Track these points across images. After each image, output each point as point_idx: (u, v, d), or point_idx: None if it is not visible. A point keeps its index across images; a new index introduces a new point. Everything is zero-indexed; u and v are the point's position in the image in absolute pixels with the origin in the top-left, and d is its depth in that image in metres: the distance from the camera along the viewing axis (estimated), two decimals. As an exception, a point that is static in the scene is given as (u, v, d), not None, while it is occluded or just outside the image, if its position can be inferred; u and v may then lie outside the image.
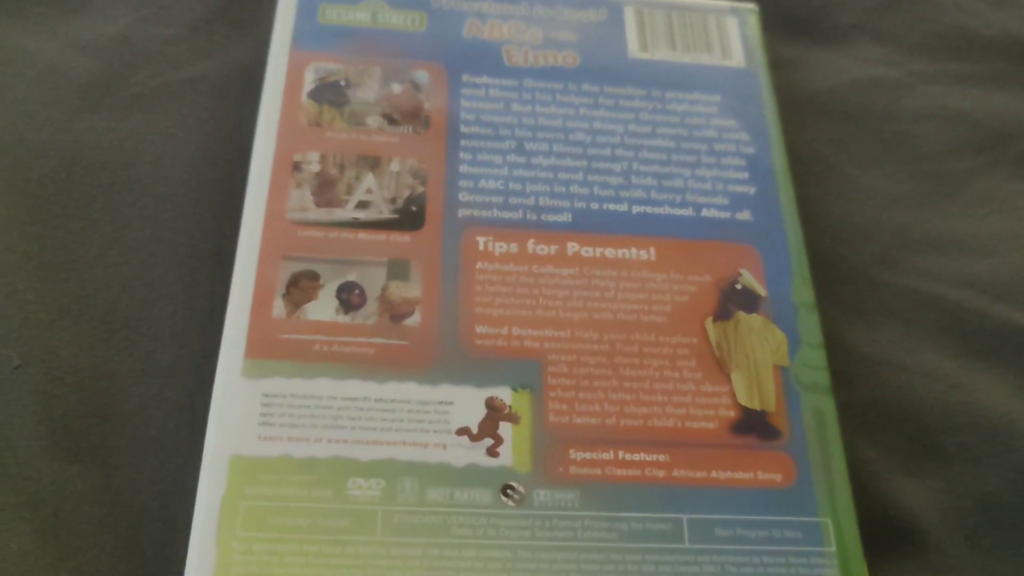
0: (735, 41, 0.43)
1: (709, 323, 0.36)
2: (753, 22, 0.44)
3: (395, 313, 0.34)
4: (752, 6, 0.45)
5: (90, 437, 0.33)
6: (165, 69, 0.42)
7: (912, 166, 0.44)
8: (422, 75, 0.40)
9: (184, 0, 0.44)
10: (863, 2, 0.49)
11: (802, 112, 0.45)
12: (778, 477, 0.33)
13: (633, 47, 0.42)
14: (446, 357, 0.34)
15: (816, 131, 0.44)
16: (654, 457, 0.33)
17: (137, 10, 0.44)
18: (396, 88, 0.39)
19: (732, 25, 0.44)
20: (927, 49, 0.48)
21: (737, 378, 0.35)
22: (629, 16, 0.43)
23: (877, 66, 0.47)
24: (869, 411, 0.37)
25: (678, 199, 0.38)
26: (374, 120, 0.38)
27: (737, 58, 0.43)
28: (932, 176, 0.44)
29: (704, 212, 0.38)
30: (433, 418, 0.32)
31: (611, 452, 0.33)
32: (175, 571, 0.30)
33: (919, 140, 0.44)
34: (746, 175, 0.39)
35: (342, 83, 0.39)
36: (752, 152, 0.40)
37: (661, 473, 0.33)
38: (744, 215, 0.38)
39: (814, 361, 0.36)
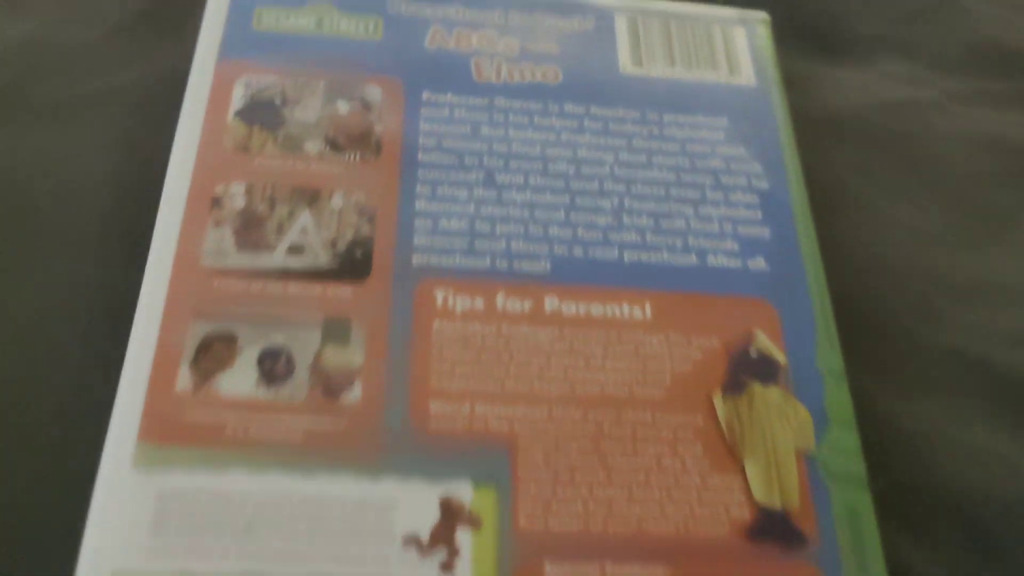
0: (743, 55, 0.37)
1: (718, 398, 0.29)
2: (764, 33, 0.38)
3: (330, 386, 0.28)
4: (762, 15, 0.38)
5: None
6: (76, 79, 0.36)
7: (949, 198, 0.38)
8: (374, 91, 0.33)
9: (103, 2, 0.38)
10: (887, 12, 0.43)
11: (821, 137, 0.38)
12: (805, 596, 0.26)
13: (625, 61, 0.36)
14: (392, 443, 0.27)
15: (838, 158, 0.38)
16: (650, 571, 0.26)
17: (49, 9, 0.37)
18: (342, 107, 0.33)
19: (740, 36, 0.38)
20: (961, 65, 0.42)
21: (752, 468, 0.28)
22: (620, 25, 0.37)
23: (905, 84, 0.41)
24: (910, 502, 0.31)
25: (679, 244, 0.32)
26: (314, 145, 0.32)
27: (746, 75, 0.36)
28: (973, 210, 0.37)
29: (710, 260, 0.32)
30: (374, 524, 0.26)
31: (597, 565, 0.26)
32: None
33: (956, 168, 0.38)
34: (759, 214, 0.33)
35: (277, 100, 0.33)
36: (766, 186, 0.34)
37: (659, 593, 0.26)
38: (758, 263, 0.32)
39: (846, 445, 0.29)
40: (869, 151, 0.39)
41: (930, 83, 0.41)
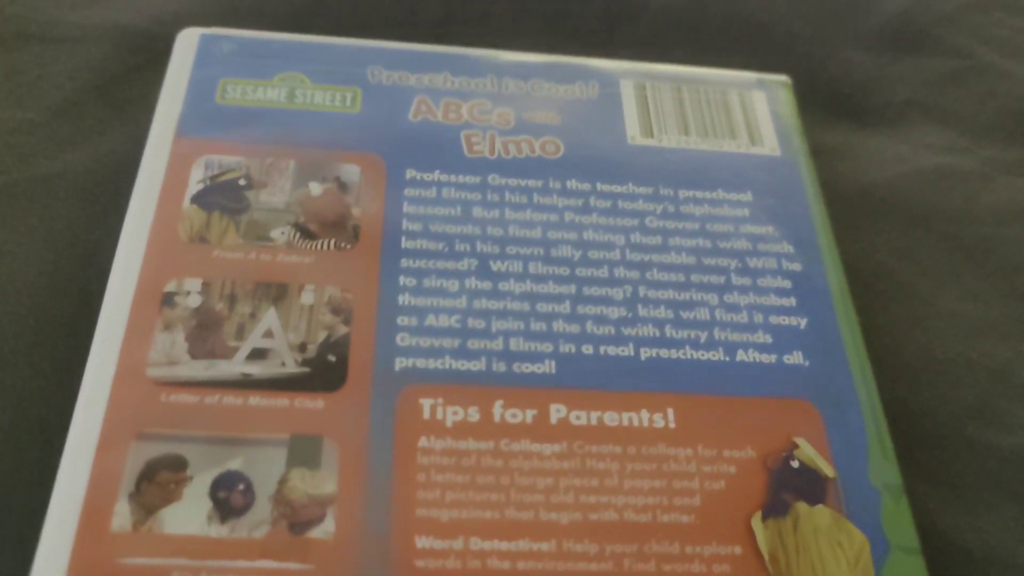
0: (765, 122, 0.33)
1: (757, 522, 0.25)
2: (786, 98, 0.34)
3: (297, 520, 0.23)
4: (783, 78, 0.35)
5: None
6: (14, 163, 0.32)
7: (1003, 282, 0.33)
8: (351, 171, 0.30)
9: (50, 75, 0.34)
10: (918, 74, 0.39)
11: (855, 213, 0.35)
12: None
13: (634, 131, 0.32)
14: (370, 589, 0.22)
15: (875, 237, 0.34)
16: None
17: (-11, 86, 0.33)
18: (315, 189, 0.29)
19: (760, 102, 0.34)
20: (1002, 131, 0.38)
21: (803, 608, 0.23)
22: (627, 91, 0.33)
23: (943, 153, 0.37)
24: (985, 640, 0.26)
25: (703, 338, 0.27)
26: (282, 233, 0.28)
27: (769, 144, 0.33)
28: (1030, 295, 0.33)
29: (740, 355, 0.27)
30: None
31: None
32: None
33: (1008, 247, 0.34)
34: (793, 301, 0.29)
35: (241, 182, 0.29)
36: (799, 268, 0.29)
37: None
38: (795, 358, 0.28)
39: (911, 574, 0.24)
40: (910, 229, 0.34)
41: (971, 152, 0.37)
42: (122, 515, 0.23)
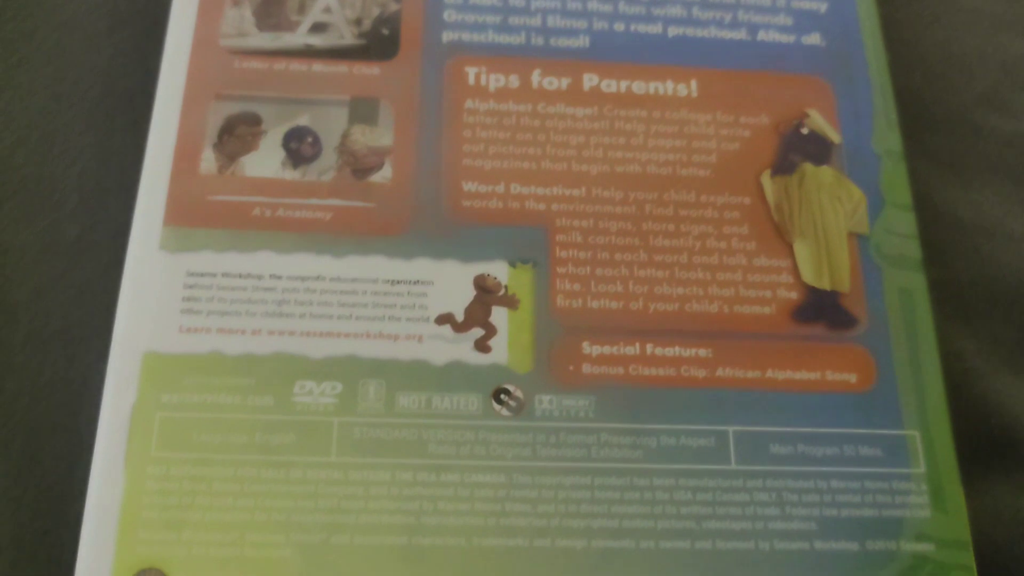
0: None
1: (766, 178, 0.27)
2: None
3: (359, 167, 0.26)
4: None
5: (-26, 329, 0.26)
6: None
7: (1025, -22, 0.34)
8: None
9: None
10: None
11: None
12: (852, 378, 0.26)
13: None
14: (424, 223, 0.26)
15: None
16: (693, 352, 0.25)
17: None
18: None
19: None
20: None
21: (801, 249, 0.27)
22: None
23: None
24: (967, 292, 0.29)
25: (727, 18, 0.29)
26: (335, -82, 0.30)
27: None
28: (1049, -7, 0.34)
29: (761, 35, 0.29)
30: (406, 302, 0.25)
31: (636, 345, 0.25)
32: (81, 498, 0.23)
33: (1035, -55, 0.35)
34: (816, -13, 0.30)
35: None
36: (824, -43, 0.31)
37: (701, 373, 0.25)
38: (813, 38, 0.30)
39: (901, 227, 0.28)
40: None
41: None
42: (208, 160, 0.26)
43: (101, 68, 0.30)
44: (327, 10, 0.28)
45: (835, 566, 0.24)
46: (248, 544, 0.22)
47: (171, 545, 0.22)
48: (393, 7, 0.29)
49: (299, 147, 0.27)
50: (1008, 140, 0.32)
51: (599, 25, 0.29)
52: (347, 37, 0.28)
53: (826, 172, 0.28)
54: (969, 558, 0.24)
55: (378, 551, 0.23)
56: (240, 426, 0.23)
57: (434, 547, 0.23)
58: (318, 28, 0.28)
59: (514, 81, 0.28)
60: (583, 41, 0.29)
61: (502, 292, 0.25)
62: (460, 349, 0.25)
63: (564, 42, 0.29)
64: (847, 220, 0.27)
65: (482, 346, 0.25)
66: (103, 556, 0.22)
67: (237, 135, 0.27)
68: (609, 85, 0.28)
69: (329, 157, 0.27)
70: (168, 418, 0.23)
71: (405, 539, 0.23)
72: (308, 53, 0.28)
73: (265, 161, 0.26)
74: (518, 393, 0.24)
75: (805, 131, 0.28)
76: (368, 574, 0.22)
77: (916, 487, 0.25)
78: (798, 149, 0.28)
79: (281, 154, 0.26)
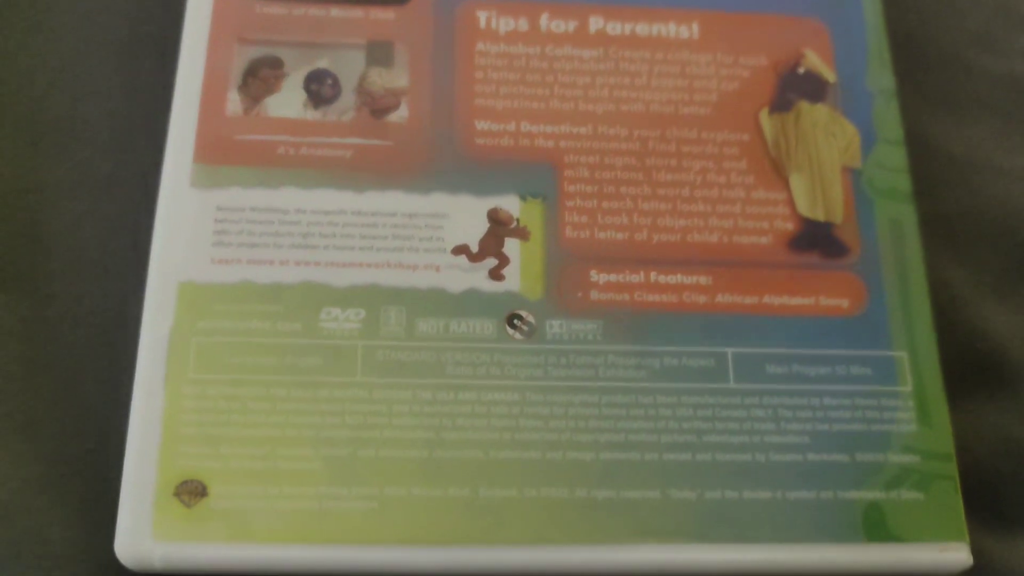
0: None
1: (764, 115, 0.29)
2: None
3: (376, 107, 0.28)
4: None
5: (16, 262, 0.28)
6: None
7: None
8: None
9: None
10: None
11: None
12: (844, 303, 0.27)
13: None
14: (439, 160, 0.27)
15: None
16: (694, 279, 0.27)
17: None
18: None
19: None
20: None
21: (797, 182, 0.28)
22: None
23: None
24: (956, 224, 0.31)
25: (728, -38, 0.31)
26: None
27: None
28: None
29: (761, -22, 0.31)
30: (424, 234, 0.27)
31: (641, 273, 0.27)
32: (122, 418, 0.25)
33: None
34: (814, -69, 0.31)
35: None
36: (822, -97, 0.32)
37: (702, 299, 0.27)
38: (810, -19, 0.31)
39: (892, 161, 0.29)
40: None
41: None
42: (234, 102, 0.28)
43: (127, 13, 0.31)
44: (343, -43, 0.29)
45: (827, 476, 0.25)
46: (280, 457, 0.24)
47: (209, 458, 0.24)
48: (406, -47, 0.30)
49: (320, 88, 0.28)
50: (998, 79, 0.33)
51: (604, -31, 0.30)
52: (363, -17, 0.29)
53: (821, 110, 0.29)
54: (952, 469, 0.26)
55: (401, 463, 0.24)
56: (271, 350, 0.25)
57: (453, 459, 0.25)
58: (335, -26, 0.29)
59: (523, 24, 0.29)
60: (589, -15, 0.30)
61: (514, 224, 0.27)
62: (475, 278, 0.26)
63: (571, -14, 0.30)
64: (841, 155, 0.29)
65: (496, 275, 0.26)
66: (147, 469, 0.24)
67: (261, 77, 0.28)
68: (614, 28, 0.29)
69: (348, 98, 0.28)
70: (204, 342, 0.25)
71: (426, 452, 0.24)
72: (326, -2, 0.29)
73: (288, 102, 0.28)
74: (530, 318, 0.26)
75: (802, 70, 0.30)
76: (392, 484, 0.24)
77: (903, 403, 0.26)
78: (795, 88, 0.29)
79: (303, 96, 0.28)
